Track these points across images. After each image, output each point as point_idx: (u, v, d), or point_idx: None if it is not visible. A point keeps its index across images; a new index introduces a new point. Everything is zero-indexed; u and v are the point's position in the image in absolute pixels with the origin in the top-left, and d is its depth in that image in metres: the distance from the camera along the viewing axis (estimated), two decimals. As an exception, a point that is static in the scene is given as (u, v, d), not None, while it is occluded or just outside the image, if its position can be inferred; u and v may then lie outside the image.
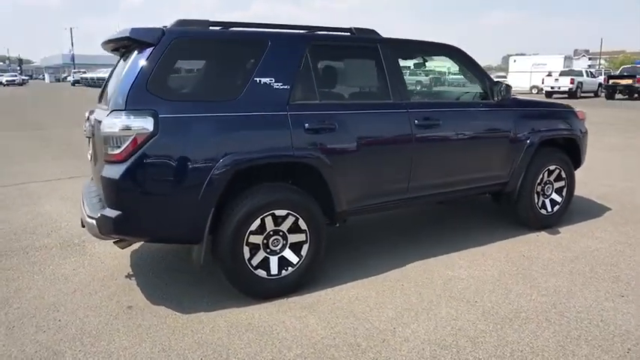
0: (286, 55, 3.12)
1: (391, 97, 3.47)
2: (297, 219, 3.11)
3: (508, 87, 3.90)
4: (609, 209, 4.98)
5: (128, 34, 2.78)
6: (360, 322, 2.84)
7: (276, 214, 3.05)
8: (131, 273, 3.61)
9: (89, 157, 3.36)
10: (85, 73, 51.31)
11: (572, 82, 25.35)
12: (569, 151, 4.44)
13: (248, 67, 3.05)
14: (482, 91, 4.01)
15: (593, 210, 4.95)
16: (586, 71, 28.42)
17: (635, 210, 4.96)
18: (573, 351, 2.49)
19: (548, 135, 4.17)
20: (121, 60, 3.56)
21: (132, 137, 2.65)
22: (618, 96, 24.67)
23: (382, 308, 2.99)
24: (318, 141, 3.12)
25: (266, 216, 3.02)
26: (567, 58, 33.91)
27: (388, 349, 2.56)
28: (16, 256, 3.94)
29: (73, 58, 70.18)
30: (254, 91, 2.99)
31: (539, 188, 4.29)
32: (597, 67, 49.01)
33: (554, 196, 4.43)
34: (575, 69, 28.63)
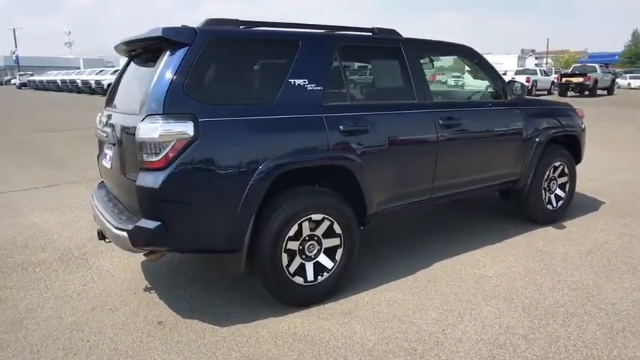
0: (317, 55, 3.04)
1: (415, 97, 3.46)
2: (332, 223, 3.04)
3: (523, 86, 3.99)
4: (603, 202, 5.19)
5: (160, 34, 2.61)
6: (406, 325, 2.80)
7: (313, 218, 2.97)
8: (149, 286, 3.42)
9: (107, 164, 3.14)
10: (32, 75, 48.64)
11: (527, 81, 26.41)
12: (570, 147, 4.58)
13: (282, 68, 2.95)
14: (493, 90, 4.07)
15: (588, 204, 5.14)
16: (540, 70, 29.73)
17: (627, 203, 5.19)
18: (624, 343, 2.56)
19: (555, 132, 4.30)
20: (132, 63, 3.38)
21: (172, 143, 2.50)
22: (570, 93, 25.94)
23: (423, 310, 2.97)
24: (352, 143, 3.06)
25: (303, 221, 2.93)
26: (521, 58, 35.40)
27: (445, 351, 2.53)
28: (14, 273, 3.65)
29: (17, 60, 66.54)
30: (289, 93, 2.90)
31: (545, 184, 4.41)
32: (545, 65, 51.39)
33: (558, 191, 4.56)
34: (530, 68, 29.88)
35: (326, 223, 3.03)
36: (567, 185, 4.60)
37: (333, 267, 3.09)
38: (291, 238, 2.91)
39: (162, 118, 2.50)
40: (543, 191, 4.38)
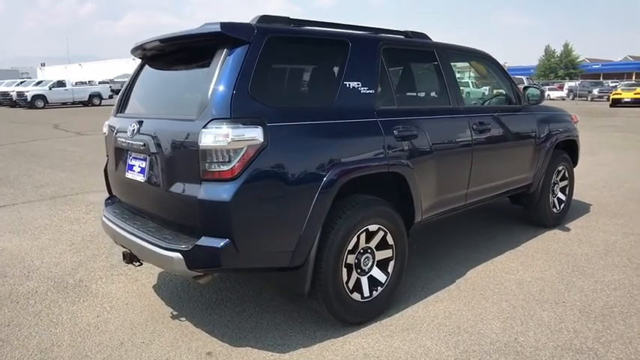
0: (367, 57, 2.89)
1: (450, 102, 3.41)
2: (385, 234, 2.88)
3: (542, 92, 4.09)
4: (590, 204, 5.45)
5: (219, 29, 2.33)
6: (476, 336, 2.69)
7: (370, 229, 2.79)
8: (175, 313, 3.04)
9: (135, 176, 2.75)
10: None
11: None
12: (569, 151, 4.77)
13: (336, 69, 2.77)
14: (506, 95, 4.14)
15: (576, 207, 5.36)
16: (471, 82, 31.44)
17: (612, 204, 5.48)
18: (691, 338, 2.62)
19: (562, 137, 4.45)
20: (154, 64, 3.04)
21: (243, 150, 2.22)
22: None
23: (485, 320, 2.87)
24: (405, 148, 2.93)
25: (361, 232, 2.74)
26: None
27: (530, 361, 2.45)
28: (4, 307, 3.11)
29: None
30: (345, 96, 2.72)
31: (551, 188, 4.54)
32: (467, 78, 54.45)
33: (560, 195, 4.72)
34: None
35: (380, 234, 2.86)
36: (567, 189, 4.77)
37: (386, 280, 2.92)
38: (350, 252, 2.72)
39: (229, 123, 2.22)
40: (550, 195, 4.51)
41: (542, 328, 2.77)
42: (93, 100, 27.32)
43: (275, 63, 2.53)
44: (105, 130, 3.25)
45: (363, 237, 2.77)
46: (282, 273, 2.59)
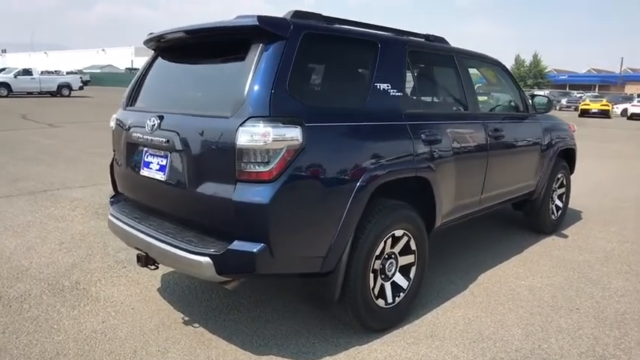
0: (395, 59, 2.83)
1: (468, 107, 3.40)
2: (409, 239, 2.83)
3: (549, 101, 4.13)
4: (581, 212, 5.58)
5: (257, 23, 2.21)
6: (500, 343, 2.67)
7: (396, 234, 2.73)
8: (186, 318, 2.90)
9: (154, 174, 2.58)
10: None
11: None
12: (567, 160, 4.85)
13: (368, 70, 2.69)
14: (515, 103, 4.17)
15: (569, 214, 5.45)
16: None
17: (602, 212, 5.61)
18: None
19: (564, 145, 4.52)
20: (172, 57, 2.88)
21: (283, 151, 2.11)
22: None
23: (505, 327, 2.86)
24: (431, 153, 2.89)
25: (388, 237, 2.68)
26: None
27: (558, 369, 2.45)
28: (-2, 312, 2.89)
29: None
30: (376, 97, 2.65)
31: (552, 194, 4.61)
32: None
33: (558, 202, 4.80)
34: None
35: (404, 240, 2.81)
36: (564, 196, 4.86)
37: (408, 286, 2.87)
38: (376, 257, 2.65)
39: (269, 121, 2.11)
40: (549, 202, 4.58)
41: (562, 334, 2.78)
42: (62, 91, 26.20)
43: (310, 61, 2.44)
44: (112, 124, 3.06)
45: (389, 242, 2.71)
46: (310, 279, 2.50)
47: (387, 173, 2.55)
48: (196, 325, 2.82)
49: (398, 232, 2.74)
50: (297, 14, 2.49)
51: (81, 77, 29.45)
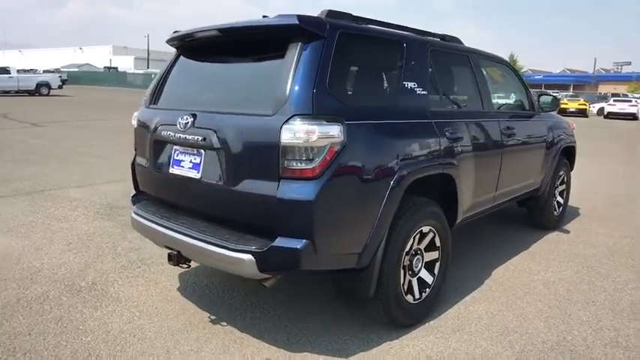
0: (419, 58, 2.88)
1: (483, 105, 3.47)
2: (434, 235, 2.88)
3: (555, 99, 4.24)
4: (578, 208, 5.73)
5: (297, 22, 2.22)
6: (526, 336, 2.74)
7: (423, 231, 2.78)
8: (213, 317, 2.89)
9: (185, 172, 2.56)
10: None
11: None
12: (567, 157, 4.98)
13: (396, 69, 2.73)
14: (522, 101, 4.27)
15: (567, 211, 5.61)
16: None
17: (598, 208, 5.78)
18: None
19: (565, 143, 4.64)
20: (198, 56, 2.87)
21: (327, 148, 2.13)
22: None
23: (527, 320, 2.93)
24: (454, 150, 2.94)
25: (417, 234, 2.72)
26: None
27: (585, 358, 2.52)
28: (18, 314, 2.82)
29: None
30: (405, 96, 2.70)
31: (554, 191, 4.73)
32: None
33: (559, 198, 4.93)
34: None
35: (430, 236, 2.86)
36: (564, 192, 4.99)
37: (432, 282, 2.92)
38: (406, 253, 2.69)
39: (312, 119, 2.13)
40: (552, 198, 4.70)
41: (583, 326, 2.87)
42: (41, 90, 25.52)
43: (345, 59, 2.45)
44: (134, 122, 3.03)
45: (417, 238, 2.75)
46: (344, 276, 2.52)
47: (419, 169, 2.60)
48: (224, 323, 2.82)
49: (425, 229, 2.78)
50: (331, 14, 2.51)
51: (60, 76, 28.72)
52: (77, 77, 45.40)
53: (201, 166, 2.48)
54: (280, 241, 2.16)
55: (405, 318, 2.75)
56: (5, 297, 3.04)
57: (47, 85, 26.00)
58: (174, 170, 2.63)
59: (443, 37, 3.42)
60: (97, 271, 3.49)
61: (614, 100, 27.08)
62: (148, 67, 54.93)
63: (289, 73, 2.22)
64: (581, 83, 57.08)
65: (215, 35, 2.60)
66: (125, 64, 59.28)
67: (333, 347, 2.59)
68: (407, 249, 2.66)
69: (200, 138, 2.42)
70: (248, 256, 2.18)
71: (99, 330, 2.69)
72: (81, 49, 65.91)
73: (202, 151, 2.47)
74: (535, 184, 4.34)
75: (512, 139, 3.69)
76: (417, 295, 2.81)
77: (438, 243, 2.92)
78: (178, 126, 2.53)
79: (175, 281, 3.39)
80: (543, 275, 3.65)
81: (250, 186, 2.26)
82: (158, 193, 2.91)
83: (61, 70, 37.53)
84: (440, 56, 3.19)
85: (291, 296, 3.17)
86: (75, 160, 7.76)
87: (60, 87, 26.75)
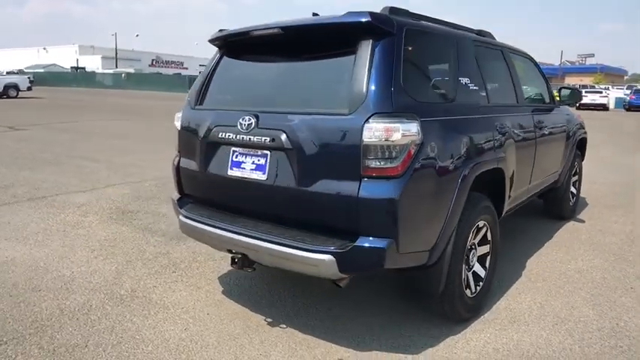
0: (468, 55, 2.90)
1: (517, 99, 3.52)
2: (487, 230, 2.91)
3: (574, 92, 4.34)
4: (584, 197, 5.90)
5: (369, 19, 2.19)
6: (581, 324, 2.81)
7: (479, 225, 2.81)
8: (270, 320, 2.84)
9: (250, 174, 2.48)
10: None
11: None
12: (579, 149, 5.12)
13: (453, 66, 2.74)
14: (543, 95, 4.36)
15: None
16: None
17: (603, 196, 5.96)
18: None
19: (582, 134, 4.77)
20: (251, 55, 2.81)
21: (409, 146, 2.12)
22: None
23: (577, 308, 3.01)
24: (504, 144, 2.98)
25: (474, 229, 2.75)
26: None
27: (645, 345, 2.61)
28: (66, 326, 2.71)
29: None
30: (462, 92, 2.72)
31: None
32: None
33: (572, 189, 5.06)
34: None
35: (483, 230, 2.89)
36: (577, 183, 5.13)
37: (485, 275, 2.95)
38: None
39: (394, 117, 2.11)
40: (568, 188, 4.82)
41: (632, 312, 2.96)
42: (9, 92, 24.50)
43: (411, 57, 2.43)
44: (178, 124, 2.94)
45: (474, 233, 2.78)
46: (416, 274, 2.52)
47: (481, 164, 2.62)
48: (283, 325, 2.78)
49: (480, 223, 2.81)
50: (393, 10, 2.49)
51: (29, 77, 27.62)
52: (44, 78, 43.69)
53: (267, 168, 2.42)
54: (363, 241, 2.13)
55: (466, 312, 2.77)
56: (46, 308, 2.91)
57: (16, 87, 24.97)
58: (233, 172, 2.56)
59: (479, 32, 3.45)
60: (131, 278, 3.38)
61: (586, 92, 28.07)
62: (117, 67, 53.50)
63: (364, 70, 2.19)
64: (548, 75, 58.47)
65: (276, 34, 2.53)
66: (92, 63, 57.51)
67: (399, 344, 2.58)
68: (468, 244, 2.68)
69: (268, 139, 2.36)
70: (328, 257, 2.15)
71: (157, 339, 2.61)
72: (45, 49, 63.54)
73: (267, 152, 2.42)
74: (555, 175, 4.44)
75: (542, 131, 3.76)
76: (473, 289, 2.83)
77: (489, 237, 2.95)
78: (239, 127, 2.46)
79: (217, 285, 3.32)
80: (575, 264, 3.74)
81: (326, 186, 2.23)
82: (209, 196, 2.83)
83: (25, 70, 36.05)
84: (481, 52, 3.22)
85: (344, 295, 3.14)
86: (67, 164, 7.48)
87: (29, 89, 25.74)
